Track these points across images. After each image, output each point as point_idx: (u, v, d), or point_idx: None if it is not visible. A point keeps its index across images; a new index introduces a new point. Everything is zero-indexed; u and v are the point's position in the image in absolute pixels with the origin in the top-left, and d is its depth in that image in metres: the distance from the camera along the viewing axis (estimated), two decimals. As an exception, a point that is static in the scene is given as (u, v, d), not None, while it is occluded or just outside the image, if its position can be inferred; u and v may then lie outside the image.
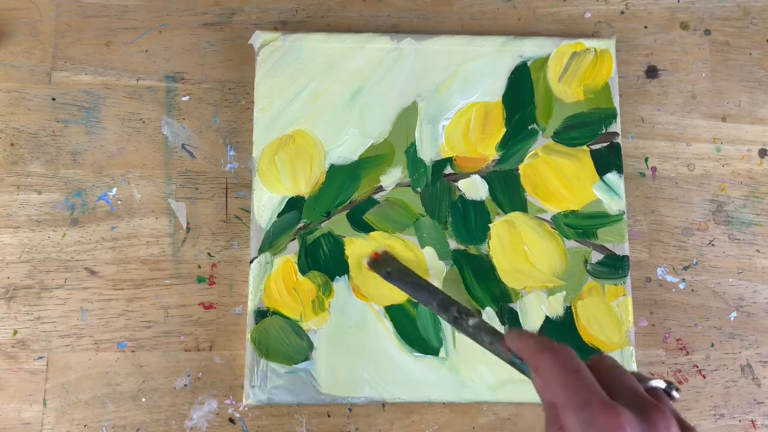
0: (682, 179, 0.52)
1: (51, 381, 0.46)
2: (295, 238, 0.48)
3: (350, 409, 0.47)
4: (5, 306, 0.47)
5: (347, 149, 0.49)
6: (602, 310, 0.48)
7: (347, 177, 0.49)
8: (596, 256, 0.48)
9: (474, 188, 0.49)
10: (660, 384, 0.28)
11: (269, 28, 0.52)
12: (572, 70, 0.51)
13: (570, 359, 0.28)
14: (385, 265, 0.46)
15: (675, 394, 0.28)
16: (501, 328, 0.47)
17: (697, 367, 0.49)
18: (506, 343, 0.32)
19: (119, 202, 0.49)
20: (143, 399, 0.46)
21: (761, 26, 0.54)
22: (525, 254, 0.48)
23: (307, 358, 0.46)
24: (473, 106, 0.50)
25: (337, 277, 0.47)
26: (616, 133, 0.50)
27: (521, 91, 0.50)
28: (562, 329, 0.47)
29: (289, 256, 0.47)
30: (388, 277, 0.45)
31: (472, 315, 0.36)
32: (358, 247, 0.48)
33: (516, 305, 0.47)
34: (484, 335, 0.34)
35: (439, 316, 0.38)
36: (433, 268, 0.48)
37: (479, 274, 0.48)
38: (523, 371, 0.31)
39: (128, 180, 0.49)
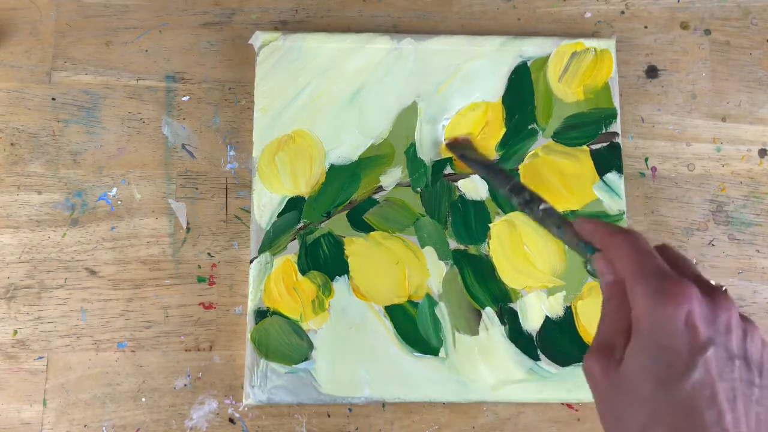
0: (682, 179, 0.52)
1: (51, 381, 0.46)
2: (295, 238, 0.48)
3: (350, 409, 0.47)
4: (5, 306, 0.47)
5: (347, 149, 0.49)
6: (602, 310, 0.48)
7: (347, 177, 0.49)
8: (596, 256, 0.48)
9: (474, 188, 0.49)
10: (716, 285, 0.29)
11: (269, 28, 0.52)
12: (572, 70, 0.51)
13: (643, 241, 0.29)
14: (463, 148, 0.48)
15: None
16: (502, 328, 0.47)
17: (697, 367, 0.49)
18: (575, 227, 0.33)
19: (119, 202, 0.49)
20: (143, 399, 0.46)
21: (761, 26, 0.54)
22: (525, 254, 0.48)
23: (307, 358, 0.46)
24: (473, 106, 0.50)
25: (337, 277, 0.47)
26: (616, 133, 0.50)
27: (521, 91, 0.50)
28: (562, 329, 0.47)
29: (289, 256, 0.47)
30: (463, 158, 0.47)
31: (543, 201, 0.37)
32: (358, 247, 0.48)
33: (516, 305, 0.47)
34: (553, 220, 0.35)
35: (509, 200, 0.41)
36: (433, 268, 0.48)
37: (479, 274, 0.48)
38: (584, 255, 0.32)
39: (128, 180, 0.49)
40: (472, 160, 0.47)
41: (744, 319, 0.28)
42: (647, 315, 0.27)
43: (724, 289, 0.28)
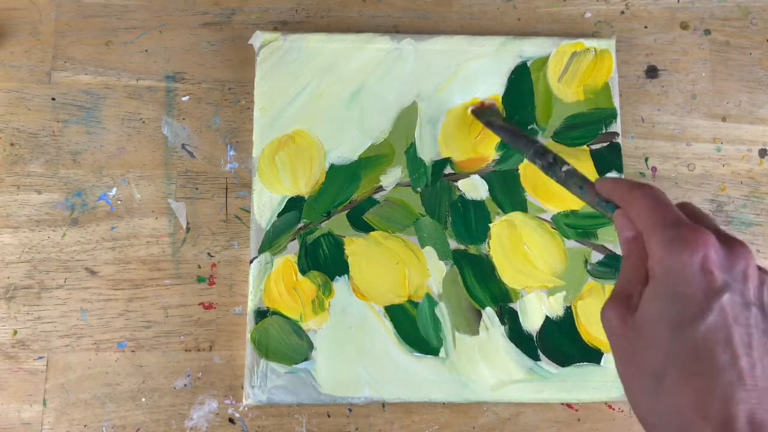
0: (682, 179, 0.52)
1: (51, 381, 0.46)
2: (295, 238, 0.48)
3: (350, 409, 0.47)
4: (5, 306, 0.47)
5: (347, 149, 0.49)
6: (602, 310, 0.48)
7: (347, 177, 0.49)
8: (596, 256, 0.48)
9: (474, 188, 0.49)
10: None
11: (269, 28, 0.52)
12: (572, 70, 0.51)
13: (662, 195, 0.29)
14: (488, 115, 0.49)
15: None
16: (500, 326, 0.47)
17: (697, 367, 0.49)
18: (596, 187, 0.34)
19: (119, 202, 0.49)
20: (143, 399, 0.46)
21: (761, 26, 0.54)
22: (525, 254, 0.48)
23: (307, 358, 0.46)
24: (474, 101, 0.50)
25: (337, 277, 0.47)
26: (616, 133, 0.50)
27: (521, 91, 0.50)
28: (562, 329, 0.47)
29: (289, 256, 0.47)
30: (489, 125, 0.48)
31: (566, 163, 0.39)
32: (358, 247, 0.48)
33: (516, 305, 0.47)
34: (575, 180, 0.36)
35: (533, 163, 0.41)
36: (433, 268, 0.48)
37: (479, 274, 0.48)
38: (605, 212, 0.33)
39: (128, 180, 0.49)
40: (497, 126, 0.47)
41: (761, 269, 0.28)
42: (663, 261, 0.27)
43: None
